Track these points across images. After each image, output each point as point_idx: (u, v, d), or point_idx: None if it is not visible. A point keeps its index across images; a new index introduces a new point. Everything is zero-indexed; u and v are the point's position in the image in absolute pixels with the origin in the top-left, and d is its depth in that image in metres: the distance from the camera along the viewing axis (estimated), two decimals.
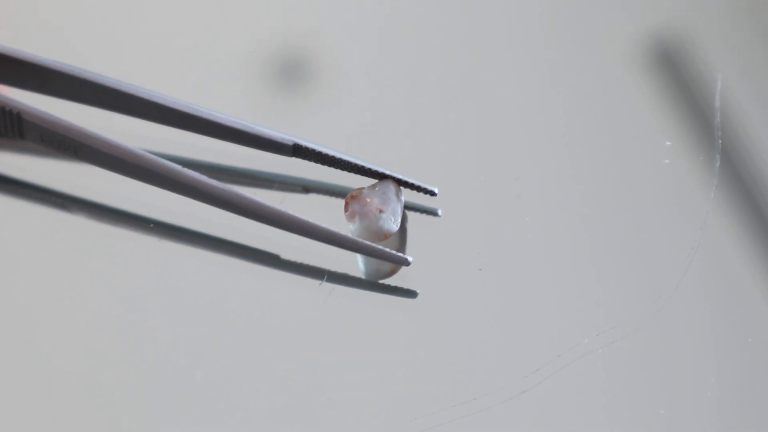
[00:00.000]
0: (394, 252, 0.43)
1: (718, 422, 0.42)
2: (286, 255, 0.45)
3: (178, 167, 0.43)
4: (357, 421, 0.41)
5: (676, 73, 0.52)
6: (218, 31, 0.55)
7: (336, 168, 0.45)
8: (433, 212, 0.46)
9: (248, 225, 0.45)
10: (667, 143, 0.50)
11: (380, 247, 0.43)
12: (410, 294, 0.44)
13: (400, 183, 0.45)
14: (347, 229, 0.44)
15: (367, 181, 0.45)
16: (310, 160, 0.45)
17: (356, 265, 0.44)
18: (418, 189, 0.45)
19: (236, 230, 0.45)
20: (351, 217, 0.44)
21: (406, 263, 0.43)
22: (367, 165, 0.45)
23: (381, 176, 0.45)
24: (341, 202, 0.45)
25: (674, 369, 0.43)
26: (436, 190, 0.45)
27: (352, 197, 0.44)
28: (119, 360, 0.42)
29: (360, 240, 0.43)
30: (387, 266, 0.44)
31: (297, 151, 0.45)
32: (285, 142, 0.45)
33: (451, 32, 0.54)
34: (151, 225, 0.46)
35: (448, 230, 0.46)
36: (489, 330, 0.43)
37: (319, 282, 0.44)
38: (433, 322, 0.43)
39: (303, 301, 0.44)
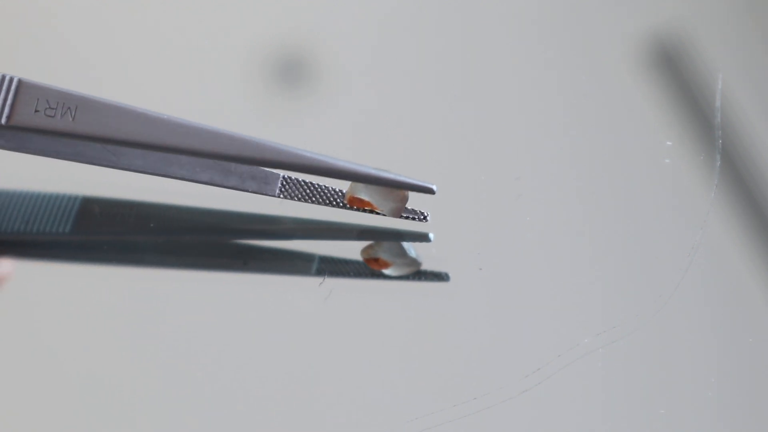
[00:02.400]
0: (416, 180, 0.42)
1: (718, 422, 0.42)
2: (286, 255, 0.45)
3: (184, 119, 0.42)
4: (357, 421, 0.41)
5: (677, 72, 0.52)
6: (217, 32, 0.54)
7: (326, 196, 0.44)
8: (424, 237, 0.45)
9: (249, 223, 0.45)
10: (668, 143, 0.50)
11: (401, 176, 0.42)
12: (410, 291, 0.44)
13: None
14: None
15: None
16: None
17: (356, 264, 0.44)
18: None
19: (237, 229, 0.45)
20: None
21: (432, 192, 0.42)
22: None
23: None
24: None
25: (674, 369, 0.43)
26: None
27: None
28: (119, 359, 0.42)
29: (381, 171, 0.42)
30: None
31: (285, 184, 0.44)
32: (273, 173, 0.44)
33: (451, 32, 0.54)
34: (152, 225, 0.46)
35: (448, 230, 0.46)
36: (489, 330, 0.43)
37: (319, 282, 0.44)
38: (432, 322, 0.43)
39: (303, 301, 0.44)
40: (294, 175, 0.44)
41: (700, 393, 0.42)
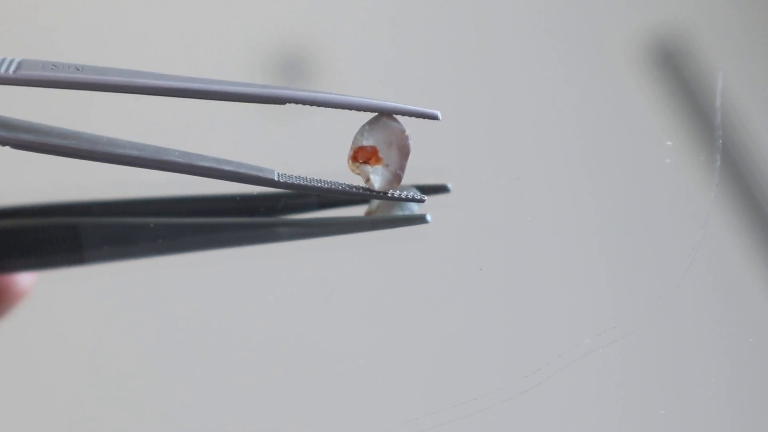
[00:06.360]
0: (418, 108, 0.41)
1: (718, 422, 0.42)
2: (286, 255, 0.45)
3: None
4: (357, 421, 0.41)
5: (677, 72, 0.52)
6: (218, 31, 0.55)
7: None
8: (421, 218, 0.45)
9: (251, 225, 0.45)
10: (668, 143, 0.50)
11: (404, 105, 0.41)
12: (411, 292, 0.44)
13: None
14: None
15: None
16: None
17: (357, 266, 0.44)
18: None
19: (238, 229, 0.45)
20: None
21: (436, 117, 0.42)
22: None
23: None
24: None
25: (674, 369, 0.43)
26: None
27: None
28: (121, 359, 0.42)
29: (383, 102, 0.41)
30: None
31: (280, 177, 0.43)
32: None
33: (453, 33, 0.54)
34: (152, 225, 0.46)
35: (448, 230, 0.46)
36: (489, 330, 0.43)
37: (320, 282, 0.44)
38: (433, 322, 0.43)
39: (303, 301, 0.44)
40: (288, 177, 0.43)
41: (700, 393, 0.42)
